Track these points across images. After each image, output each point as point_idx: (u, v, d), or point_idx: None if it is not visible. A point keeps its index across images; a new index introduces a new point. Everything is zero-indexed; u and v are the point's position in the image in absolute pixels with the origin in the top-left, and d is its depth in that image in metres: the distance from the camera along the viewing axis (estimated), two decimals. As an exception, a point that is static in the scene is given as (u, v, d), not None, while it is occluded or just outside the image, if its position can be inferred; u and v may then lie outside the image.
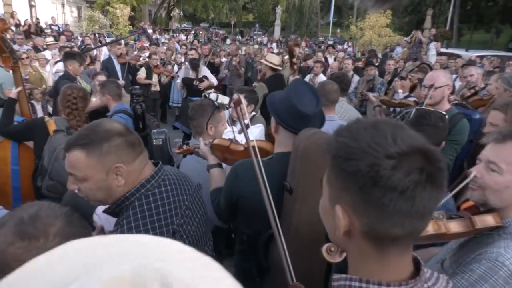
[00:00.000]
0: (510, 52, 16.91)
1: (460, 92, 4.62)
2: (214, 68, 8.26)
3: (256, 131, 3.07)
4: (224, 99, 3.79)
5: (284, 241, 1.24)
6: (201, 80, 6.53)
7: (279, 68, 5.30)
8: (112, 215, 1.31)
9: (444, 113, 2.43)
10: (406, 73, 7.24)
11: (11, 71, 3.28)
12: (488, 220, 1.24)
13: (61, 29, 18.91)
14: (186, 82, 6.59)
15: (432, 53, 12.61)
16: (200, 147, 2.05)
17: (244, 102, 3.27)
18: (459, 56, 10.14)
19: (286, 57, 5.50)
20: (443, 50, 14.13)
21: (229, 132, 2.88)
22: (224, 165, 2.09)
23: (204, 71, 6.80)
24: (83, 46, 10.25)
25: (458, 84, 5.45)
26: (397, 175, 0.63)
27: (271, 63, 5.08)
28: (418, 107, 2.37)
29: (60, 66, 6.60)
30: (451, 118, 2.78)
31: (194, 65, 6.66)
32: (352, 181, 0.67)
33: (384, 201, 0.64)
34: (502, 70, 7.42)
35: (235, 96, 3.51)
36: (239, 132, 3.00)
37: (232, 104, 3.44)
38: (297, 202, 1.45)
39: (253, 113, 3.53)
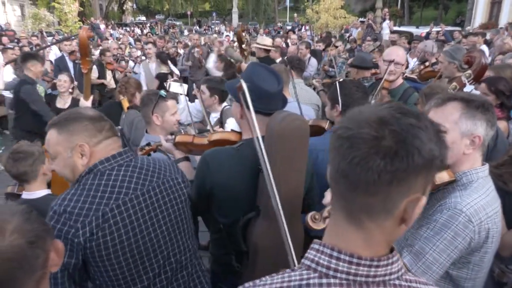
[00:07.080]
0: (457, 27, 17.82)
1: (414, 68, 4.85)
2: (171, 60, 8.11)
3: (232, 122, 3.05)
4: (176, 88, 3.68)
5: (286, 226, 1.25)
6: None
7: (272, 48, 5.74)
8: None
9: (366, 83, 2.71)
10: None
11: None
12: (444, 176, 1.39)
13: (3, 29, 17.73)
14: (161, 77, 6.41)
15: (385, 31, 13.08)
16: (162, 144, 2.03)
17: (207, 92, 3.23)
18: (410, 34, 10.53)
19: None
20: (396, 28, 14.66)
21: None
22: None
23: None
24: (31, 46, 9.70)
25: (409, 59, 5.69)
26: (342, 131, 0.70)
27: (264, 45, 5.53)
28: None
29: (8, 69, 6.23)
30: (404, 92, 2.93)
31: (164, 58, 6.58)
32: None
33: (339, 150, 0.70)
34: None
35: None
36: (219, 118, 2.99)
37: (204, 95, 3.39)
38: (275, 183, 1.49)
39: (224, 103, 3.47)
